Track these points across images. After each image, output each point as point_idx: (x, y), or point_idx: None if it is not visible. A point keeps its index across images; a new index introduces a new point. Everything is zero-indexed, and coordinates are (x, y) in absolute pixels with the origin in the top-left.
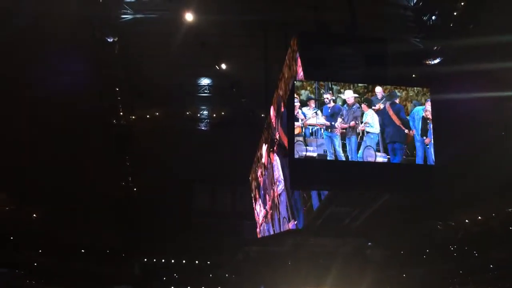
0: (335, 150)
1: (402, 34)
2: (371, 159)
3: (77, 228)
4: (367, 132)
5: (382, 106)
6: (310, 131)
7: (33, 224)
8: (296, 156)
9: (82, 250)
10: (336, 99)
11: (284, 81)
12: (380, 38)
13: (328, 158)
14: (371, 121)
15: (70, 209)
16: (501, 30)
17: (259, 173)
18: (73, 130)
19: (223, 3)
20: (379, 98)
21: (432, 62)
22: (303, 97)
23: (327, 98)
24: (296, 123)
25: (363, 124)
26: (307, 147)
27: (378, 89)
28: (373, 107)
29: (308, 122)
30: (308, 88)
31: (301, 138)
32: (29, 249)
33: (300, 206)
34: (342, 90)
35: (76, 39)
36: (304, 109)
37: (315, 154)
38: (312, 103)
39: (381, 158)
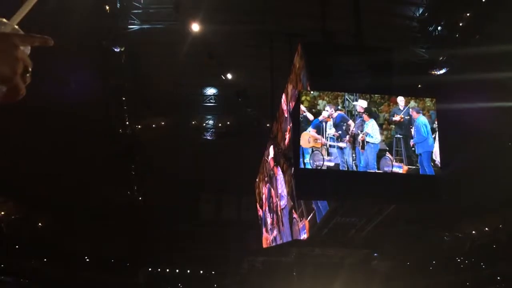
0: (346, 160)
1: (407, 44)
2: (387, 169)
3: (82, 237)
4: (367, 142)
5: (403, 117)
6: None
7: (39, 233)
8: (313, 166)
9: (87, 259)
10: (347, 109)
11: (290, 90)
12: (386, 48)
13: (341, 168)
14: (371, 131)
15: (75, 218)
16: (506, 40)
17: (264, 181)
18: (79, 139)
19: (229, 14)
20: (401, 109)
21: (438, 72)
22: (321, 107)
23: (327, 110)
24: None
25: (362, 134)
26: (324, 157)
27: (400, 99)
28: (393, 118)
29: (328, 132)
30: (326, 98)
31: (320, 149)
32: (34, 257)
33: (303, 217)
34: (351, 99)
35: (83, 49)
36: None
37: (332, 164)
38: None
39: (397, 168)
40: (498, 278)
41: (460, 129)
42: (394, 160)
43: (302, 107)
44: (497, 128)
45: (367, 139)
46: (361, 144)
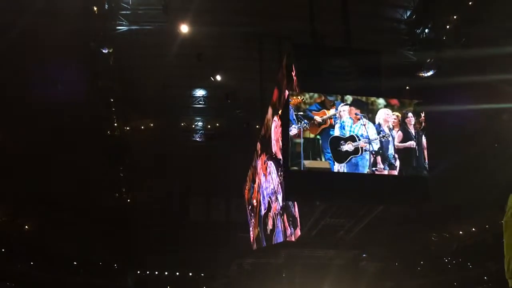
0: (338, 161)
1: (395, 46)
2: (379, 170)
3: (70, 240)
4: (359, 144)
5: (396, 119)
6: None
7: (26, 236)
8: (306, 167)
9: (75, 263)
10: (339, 111)
11: (279, 91)
12: (373, 51)
13: (332, 169)
14: (363, 132)
15: (63, 221)
16: (492, 42)
17: (256, 180)
18: (67, 141)
19: (218, 16)
20: (395, 111)
21: (425, 75)
22: (313, 108)
23: (325, 112)
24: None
25: (353, 135)
26: (317, 158)
27: (394, 102)
28: (389, 120)
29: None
30: (318, 100)
31: (318, 150)
32: (21, 261)
33: (295, 217)
34: (342, 100)
35: (72, 50)
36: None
37: (323, 165)
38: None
39: (388, 169)
40: (485, 278)
41: (447, 130)
42: (387, 162)
43: (295, 108)
44: (483, 129)
45: (358, 140)
46: (352, 145)
